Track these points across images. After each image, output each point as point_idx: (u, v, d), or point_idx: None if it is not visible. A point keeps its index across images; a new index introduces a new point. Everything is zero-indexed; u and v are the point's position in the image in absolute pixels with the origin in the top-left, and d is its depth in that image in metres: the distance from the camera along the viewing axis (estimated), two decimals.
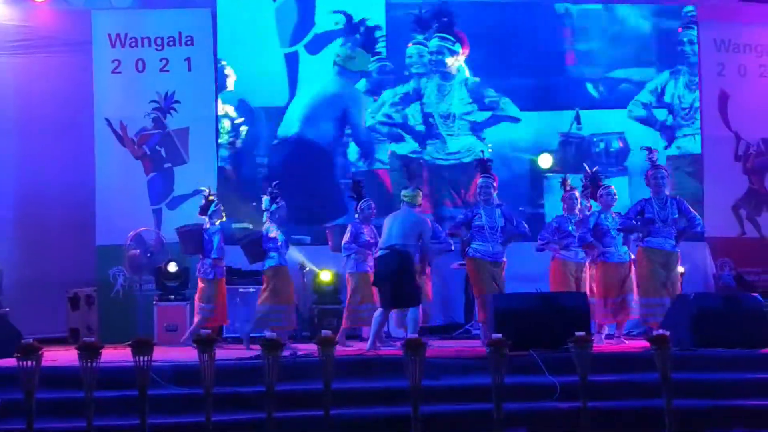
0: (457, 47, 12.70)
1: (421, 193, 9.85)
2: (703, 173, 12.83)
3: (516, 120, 12.76)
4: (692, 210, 9.64)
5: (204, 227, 10.63)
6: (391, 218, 9.53)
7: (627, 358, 8.27)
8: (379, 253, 9.45)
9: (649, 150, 9.85)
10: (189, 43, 12.40)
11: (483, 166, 9.87)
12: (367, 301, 10.13)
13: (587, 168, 10.46)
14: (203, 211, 10.71)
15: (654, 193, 9.55)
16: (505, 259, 9.60)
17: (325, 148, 12.68)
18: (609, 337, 9.82)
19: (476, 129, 12.72)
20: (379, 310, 9.41)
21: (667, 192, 9.61)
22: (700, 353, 8.15)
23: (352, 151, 12.69)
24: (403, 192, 9.76)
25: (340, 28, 12.74)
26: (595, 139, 12.86)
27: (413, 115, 12.70)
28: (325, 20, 12.75)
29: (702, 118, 13.08)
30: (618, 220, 9.68)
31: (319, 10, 12.74)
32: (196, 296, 10.62)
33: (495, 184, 9.73)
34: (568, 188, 10.38)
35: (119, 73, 12.29)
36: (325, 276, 12.00)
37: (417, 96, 12.71)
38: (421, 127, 12.71)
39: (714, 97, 13.11)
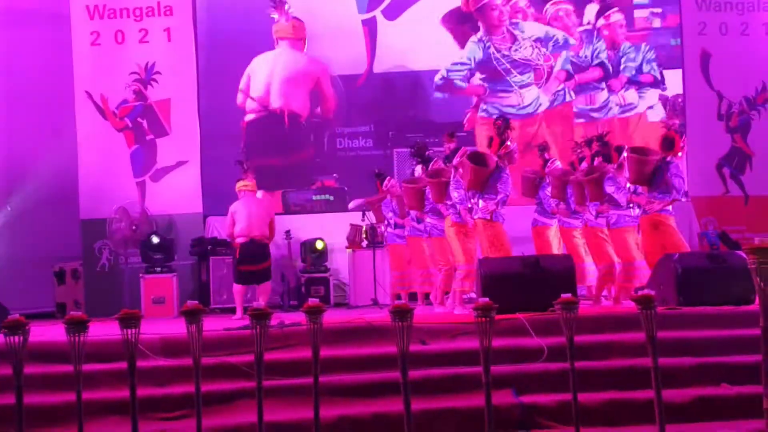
0: None
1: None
2: (686, 133, 12.86)
3: None
4: None
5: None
6: (244, 206, 10.42)
7: (613, 318, 8.30)
8: (239, 240, 10.35)
9: None
10: (168, 12, 12.32)
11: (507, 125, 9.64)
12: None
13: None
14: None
15: None
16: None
17: None
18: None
19: None
20: (239, 286, 10.52)
21: None
22: (685, 312, 8.20)
23: None
24: (243, 182, 10.47)
25: None
26: None
27: None
28: None
29: (684, 78, 13.10)
30: None
31: None
32: None
33: None
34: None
35: (98, 45, 12.24)
36: (318, 245, 12.09)
37: None
38: None
39: (696, 57, 13.11)
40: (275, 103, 12.97)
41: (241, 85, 12.88)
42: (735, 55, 13.07)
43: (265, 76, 12.96)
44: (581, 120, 13.11)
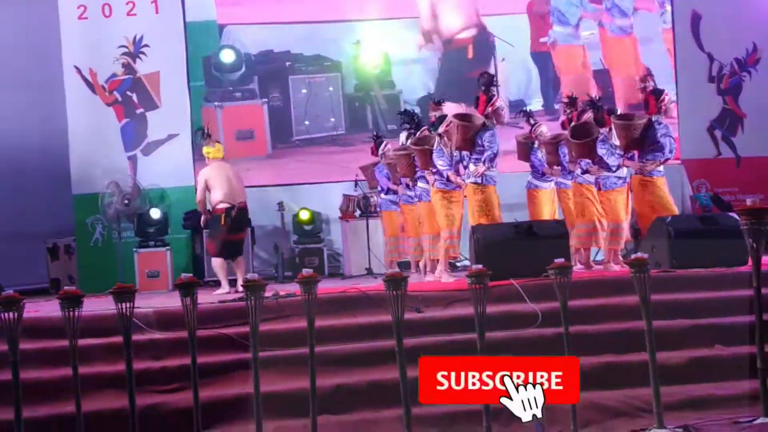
0: None
1: None
2: (678, 95, 12.84)
3: None
4: None
5: None
6: (219, 172, 9.85)
7: (606, 282, 8.32)
8: (222, 206, 9.80)
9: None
10: None
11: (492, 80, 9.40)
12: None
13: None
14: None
15: None
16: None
17: None
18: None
19: None
20: (220, 260, 9.92)
21: None
22: (678, 274, 8.22)
23: None
24: (213, 149, 9.98)
25: None
26: None
27: None
28: None
29: (674, 40, 13.06)
30: None
31: None
32: None
33: None
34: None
35: (86, 18, 12.12)
36: (304, 215, 12.06)
37: None
38: None
39: (686, 18, 13.08)
40: None
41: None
42: (725, 16, 13.04)
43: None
44: None
